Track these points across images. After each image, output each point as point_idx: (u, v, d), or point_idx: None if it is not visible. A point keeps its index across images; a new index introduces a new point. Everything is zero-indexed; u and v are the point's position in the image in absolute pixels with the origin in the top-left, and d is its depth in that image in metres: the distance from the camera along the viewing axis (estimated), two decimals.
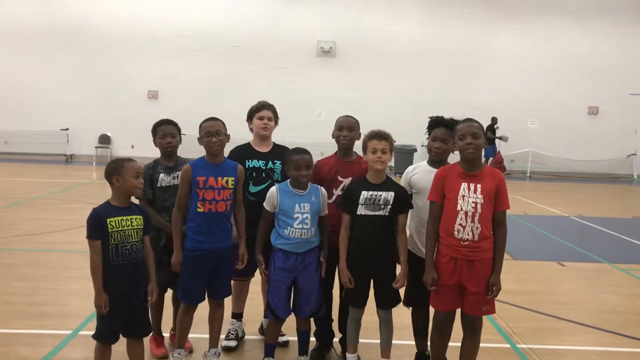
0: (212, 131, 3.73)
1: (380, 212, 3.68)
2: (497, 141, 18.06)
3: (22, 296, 5.22)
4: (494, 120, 18.08)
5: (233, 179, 3.77)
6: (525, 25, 18.82)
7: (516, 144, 18.89)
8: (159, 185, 4.00)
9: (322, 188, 3.88)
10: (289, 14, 18.53)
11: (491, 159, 17.95)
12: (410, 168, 3.98)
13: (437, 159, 3.84)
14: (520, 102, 18.97)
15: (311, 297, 3.80)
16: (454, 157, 3.69)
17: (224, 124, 3.84)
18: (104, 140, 18.62)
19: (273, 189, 3.82)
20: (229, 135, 3.85)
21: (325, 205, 3.86)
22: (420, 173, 3.84)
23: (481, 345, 3.65)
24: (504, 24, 18.85)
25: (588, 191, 16.08)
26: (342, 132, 4.06)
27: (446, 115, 3.92)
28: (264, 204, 3.81)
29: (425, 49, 18.62)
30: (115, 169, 3.34)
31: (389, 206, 3.68)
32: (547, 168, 19.32)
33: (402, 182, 3.94)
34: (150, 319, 3.88)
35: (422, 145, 17.71)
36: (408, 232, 3.91)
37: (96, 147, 18.49)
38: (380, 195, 3.68)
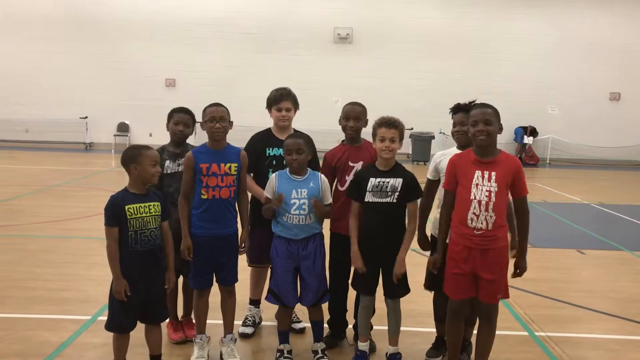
0: (217, 117, 3.71)
1: (388, 199, 3.64)
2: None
3: (43, 282, 5.31)
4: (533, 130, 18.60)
5: (236, 165, 3.75)
6: (546, 9, 18.50)
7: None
8: (164, 171, 3.98)
9: (323, 175, 3.84)
10: (305, 0, 18.43)
11: (517, 144, 18.35)
12: (438, 153, 3.94)
13: (461, 144, 3.81)
14: (540, 88, 18.71)
15: (313, 285, 3.78)
16: None
17: (227, 110, 3.82)
18: (123, 128, 18.76)
19: (273, 175, 3.80)
20: (232, 122, 3.84)
21: (327, 193, 3.80)
22: (447, 159, 3.77)
23: (498, 332, 3.62)
24: (523, 8, 18.53)
25: (609, 178, 15.86)
26: (348, 123, 4.04)
27: (466, 101, 3.88)
28: (265, 191, 3.80)
29: (443, 35, 18.39)
30: (133, 157, 3.34)
31: (397, 193, 3.64)
32: (567, 155, 19.07)
33: (430, 167, 3.93)
34: (168, 305, 3.93)
35: (440, 132, 17.59)
36: (434, 217, 3.88)
37: (115, 135, 18.65)
38: (388, 182, 3.65)
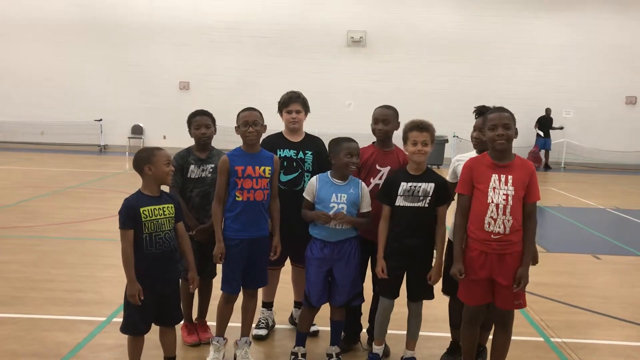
0: (250, 121, 3.75)
1: (420, 204, 3.63)
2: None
3: (60, 283, 5.35)
4: (548, 111, 18.01)
5: (270, 168, 3.79)
6: (561, 13, 18.38)
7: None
8: (188, 175, 4.05)
9: (363, 183, 3.83)
10: (319, 3, 18.43)
11: (543, 151, 18.00)
12: (457, 157, 3.94)
13: (478, 149, 3.81)
14: (555, 92, 18.54)
15: (345, 287, 3.79)
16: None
17: (261, 114, 3.85)
18: (137, 131, 18.89)
19: (313, 178, 3.83)
20: (265, 125, 3.86)
21: (366, 200, 3.78)
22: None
23: (513, 338, 3.60)
24: (538, 12, 18.41)
25: (625, 183, 15.68)
26: (377, 126, 4.03)
27: (479, 105, 3.86)
28: (304, 194, 3.82)
29: (457, 38, 18.32)
30: (147, 158, 3.35)
31: (429, 197, 3.63)
32: (582, 159, 18.89)
33: (449, 170, 3.93)
34: (183, 307, 3.96)
35: (454, 136, 17.51)
36: (451, 223, 3.86)
37: (129, 138, 18.77)
38: (420, 187, 3.63)
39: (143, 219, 3.27)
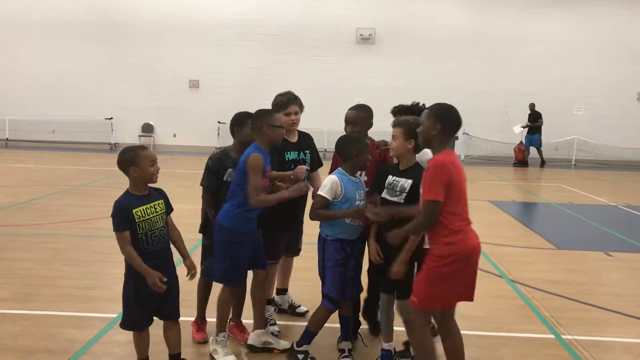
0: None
1: (396, 199, 3.63)
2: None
3: (70, 280, 5.39)
4: (532, 106, 17.33)
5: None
6: (570, 9, 18.24)
7: (561, 132, 18.34)
8: (224, 179, 3.95)
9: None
10: (328, 1, 18.42)
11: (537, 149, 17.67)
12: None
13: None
14: (565, 89, 18.41)
15: (356, 280, 3.81)
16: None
17: None
18: (147, 129, 18.96)
19: (334, 177, 3.69)
20: None
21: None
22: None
23: (524, 335, 3.60)
24: (547, 8, 18.29)
25: (637, 179, 15.56)
26: (346, 127, 4.07)
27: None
28: (324, 192, 3.65)
29: (466, 35, 18.24)
30: (131, 159, 3.29)
31: (405, 194, 3.60)
32: (593, 156, 18.75)
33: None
34: (197, 304, 4.10)
35: (464, 133, 17.41)
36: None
37: (139, 136, 18.83)
38: (399, 182, 3.64)
39: (137, 220, 3.26)
